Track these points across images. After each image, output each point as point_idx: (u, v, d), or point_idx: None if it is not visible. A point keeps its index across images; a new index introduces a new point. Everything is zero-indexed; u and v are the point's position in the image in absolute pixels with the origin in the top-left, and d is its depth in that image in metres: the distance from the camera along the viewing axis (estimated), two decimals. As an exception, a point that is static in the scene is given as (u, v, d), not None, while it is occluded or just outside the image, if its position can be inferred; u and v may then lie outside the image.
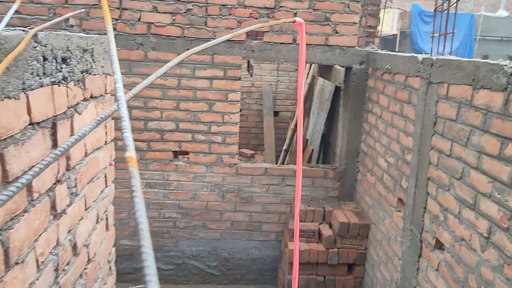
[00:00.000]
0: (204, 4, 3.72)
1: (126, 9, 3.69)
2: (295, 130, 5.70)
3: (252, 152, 6.34)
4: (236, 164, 4.05)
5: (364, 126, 3.93)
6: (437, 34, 2.97)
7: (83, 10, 2.42)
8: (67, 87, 1.31)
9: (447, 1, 3.04)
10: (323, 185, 4.13)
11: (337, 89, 5.16)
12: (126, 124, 0.51)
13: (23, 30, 1.04)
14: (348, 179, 4.12)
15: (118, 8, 3.69)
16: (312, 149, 5.63)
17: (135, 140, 3.90)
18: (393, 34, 18.62)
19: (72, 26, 3.68)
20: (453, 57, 2.49)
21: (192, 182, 4.04)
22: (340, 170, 4.13)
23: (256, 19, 3.75)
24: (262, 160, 6.61)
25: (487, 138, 1.97)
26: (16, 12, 3.58)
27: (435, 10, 3.00)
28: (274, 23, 1.60)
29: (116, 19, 3.70)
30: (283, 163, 5.81)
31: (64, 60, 1.28)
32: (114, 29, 3.72)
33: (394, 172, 3.16)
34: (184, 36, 3.76)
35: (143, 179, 4.01)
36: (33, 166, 1.11)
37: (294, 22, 1.57)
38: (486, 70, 1.99)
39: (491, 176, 1.93)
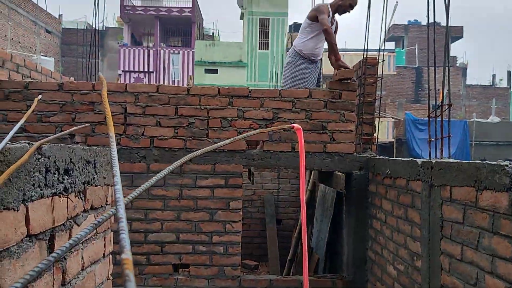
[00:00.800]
0: (205, 118, 3.89)
1: (130, 124, 3.85)
2: (299, 238, 5.56)
3: (256, 263, 6.11)
4: (239, 276, 3.87)
5: (370, 232, 3.84)
6: (433, 139, 3.06)
7: (88, 124, 2.52)
8: (68, 198, 1.30)
9: (439, 109, 3.18)
10: (332, 297, 3.90)
11: (339, 195, 5.15)
12: (123, 225, 0.49)
13: (28, 143, 1.07)
14: (358, 290, 3.90)
15: (122, 124, 3.84)
16: (318, 258, 5.43)
17: (134, 253, 3.78)
18: (389, 142, 19.19)
19: (77, 143, 3.79)
20: (452, 160, 2.52)
21: (193, 297, 3.82)
22: (348, 279, 3.93)
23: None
24: (266, 271, 6.34)
25: (498, 240, 1.90)
26: (24, 130, 3.73)
27: (428, 116, 3.13)
28: (273, 128, 1.66)
29: (121, 134, 3.83)
30: (288, 274, 5.56)
31: (66, 171, 1.29)
32: (118, 143, 3.83)
33: (405, 280, 3.01)
34: (186, 148, 3.86)
35: (142, 295, 3.80)
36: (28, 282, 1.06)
37: (292, 128, 1.62)
38: (487, 171, 1.99)
39: (508, 280, 1.82)
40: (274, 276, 4.02)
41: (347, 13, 4.87)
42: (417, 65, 29.66)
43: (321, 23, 4.58)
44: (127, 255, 0.45)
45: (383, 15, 4.53)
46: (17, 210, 1.00)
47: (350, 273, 3.97)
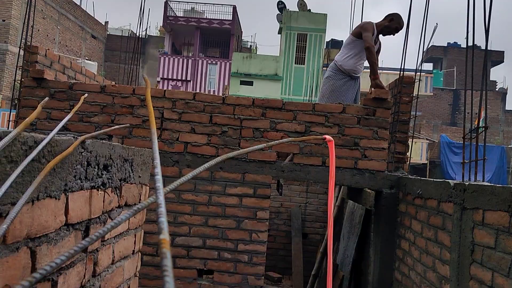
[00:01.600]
0: (238, 127, 3.95)
1: (166, 129, 3.95)
2: (324, 253, 5.51)
3: (279, 275, 6.08)
4: (262, 287, 3.87)
5: (397, 252, 3.77)
6: (468, 161, 2.99)
7: (128, 125, 2.61)
8: (105, 192, 1.36)
9: (474, 132, 3.12)
10: (354, 315, 3.84)
11: (367, 213, 5.08)
12: (163, 210, 0.53)
13: (74, 137, 1.14)
14: (382, 311, 3.83)
15: (159, 128, 3.95)
16: (343, 276, 5.36)
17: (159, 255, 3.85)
18: (422, 163, 18.76)
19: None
20: (486, 183, 2.47)
21: (215, 304, 3.85)
22: (373, 299, 3.86)
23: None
24: (289, 285, 6.30)
25: (531, 268, 1.84)
26: (66, 129, 3.89)
27: (463, 137, 3.07)
28: (305, 138, 1.68)
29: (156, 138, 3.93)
30: (311, 289, 5.50)
31: (105, 167, 1.36)
32: (153, 146, 3.93)
33: (431, 304, 2.93)
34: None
35: (165, 298, 3.85)
36: (61, 268, 1.12)
37: (324, 139, 1.64)
38: (521, 196, 1.95)
39: (539, 311, 1.76)
40: (297, 290, 4.00)
41: (392, 35, 4.87)
42: (454, 88, 29.00)
43: (364, 40, 4.59)
44: (164, 235, 0.49)
45: (421, 35, 4.49)
46: (58, 199, 1.06)
47: (374, 293, 3.90)
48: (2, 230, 0.67)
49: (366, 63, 4.81)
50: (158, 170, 0.72)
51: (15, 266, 0.89)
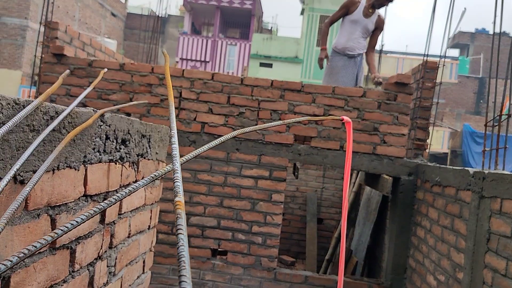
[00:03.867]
0: (256, 109, 3.94)
1: (184, 109, 3.97)
2: (339, 239, 5.52)
3: (293, 259, 6.11)
4: (275, 269, 3.91)
5: (413, 239, 3.76)
6: (489, 149, 2.94)
7: (146, 102, 2.63)
8: (123, 166, 1.38)
9: (497, 120, 3.05)
10: (366, 300, 3.85)
11: (384, 199, 5.05)
12: (179, 175, 0.54)
13: (93, 110, 1.15)
14: (394, 297, 3.83)
15: (177, 108, 3.97)
16: (357, 261, 5.37)
17: (175, 234, 3.91)
18: (443, 152, 18.49)
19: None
20: (506, 172, 2.42)
21: (227, 284, 3.90)
22: (386, 285, 3.87)
23: (305, 125, 3.89)
24: (303, 269, 6.34)
25: (549, 259, 1.81)
26: (84, 105, 3.94)
27: (485, 125, 3.01)
28: (322, 118, 1.67)
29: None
30: (325, 273, 5.53)
31: (123, 141, 1.37)
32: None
33: (444, 291, 2.92)
34: (235, 137, 3.92)
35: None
36: (79, 237, 1.14)
37: (342, 120, 1.62)
38: (543, 185, 1.90)
39: (556, 302, 1.74)
40: (309, 273, 4.03)
41: (385, 6, 4.79)
42: (480, 76, 28.27)
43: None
44: (180, 198, 0.50)
45: (447, 20, 4.38)
46: (78, 170, 1.08)
47: (388, 279, 3.90)
48: (24, 194, 0.68)
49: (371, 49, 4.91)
50: (175, 138, 0.73)
51: (36, 232, 0.92)
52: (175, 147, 0.69)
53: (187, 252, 0.38)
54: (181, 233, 0.40)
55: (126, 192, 0.73)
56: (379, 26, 4.84)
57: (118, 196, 0.74)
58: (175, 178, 0.54)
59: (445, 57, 4.72)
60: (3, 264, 0.57)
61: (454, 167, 3.08)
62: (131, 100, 3.98)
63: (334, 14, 4.99)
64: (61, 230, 0.65)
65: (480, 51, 29.51)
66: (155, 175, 0.80)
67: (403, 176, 3.86)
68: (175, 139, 0.72)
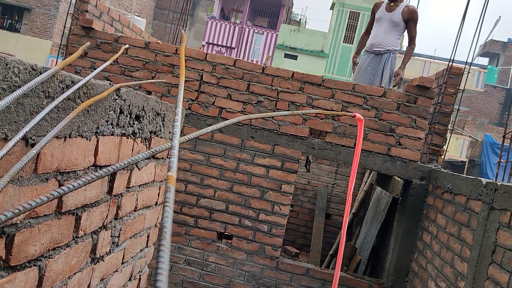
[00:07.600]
0: (274, 99, 3.94)
1: (203, 92, 4.00)
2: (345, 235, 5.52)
3: (297, 251, 6.15)
4: (277, 258, 3.95)
5: (418, 244, 3.74)
6: (504, 161, 2.89)
7: (165, 81, 2.66)
8: (135, 141, 1.42)
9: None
10: (365, 299, 3.87)
11: (394, 201, 5.03)
12: (175, 152, 0.56)
13: (110, 83, 1.18)
14: (393, 298, 3.83)
15: (196, 91, 4.01)
16: (360, 260, 5.37)
17: (184, 214, 3.98)
18: (461, 161, 18.19)
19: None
20: (519, 186, 2.38)
21: (230, 268, 3.96)
22: (386, 286, 3.87)
23: (321, 119, 3.89)
24: (306, 261, 6.37)
25: (551, 276, 1.80)
26: (107, 79, 4.00)
27: (503, 136, 2.96)
28: (335, 113, 1.67)
29: (193, 100, 4.00)
30: (327, 268, 5.55)
31: (137, 117, 1.40)
32: (189, 108, 4.00)
33: (444, 298, 2.92)
34: (251, 125, 3.95)
35: (183, 254, 4.00)
36: (86, 205, 1.18)
37: (354, 116, 1.62)
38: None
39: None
40: (311, 265, 4.05)
41: None
42: (508, 86, 27.60)
43: None
44: (172, 173, 0.52)
45: (477, 26, 4.29)
46: (89, 140, 1.12)
47: (389, 281, 3.90)
48: (30, 155, 0.71)
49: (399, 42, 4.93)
50: (179, 116, 0.75)
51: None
52: (177, 124, 0.71)
53: (170, 224, 0.40)
54: (167, 206, 0.42)
55: (128, 161, 0.75)
56: (410, 16, 4.72)
57: (120, 165, 0.77)
58: (171, 154, 0.56)
59: (471, 64, 4.64)
60: (3, 214, 0.60)
61: (467, 176, 3.05)
62: (153, 78, 4.02)
63: (367, 24, 5.18)
64: (68, 187, 0.68)
65: (510, 62, 28.77)
66: (156, 149, 0.83)
67: (415, 179, 3.83)
68: (178, 117, 0.74)
